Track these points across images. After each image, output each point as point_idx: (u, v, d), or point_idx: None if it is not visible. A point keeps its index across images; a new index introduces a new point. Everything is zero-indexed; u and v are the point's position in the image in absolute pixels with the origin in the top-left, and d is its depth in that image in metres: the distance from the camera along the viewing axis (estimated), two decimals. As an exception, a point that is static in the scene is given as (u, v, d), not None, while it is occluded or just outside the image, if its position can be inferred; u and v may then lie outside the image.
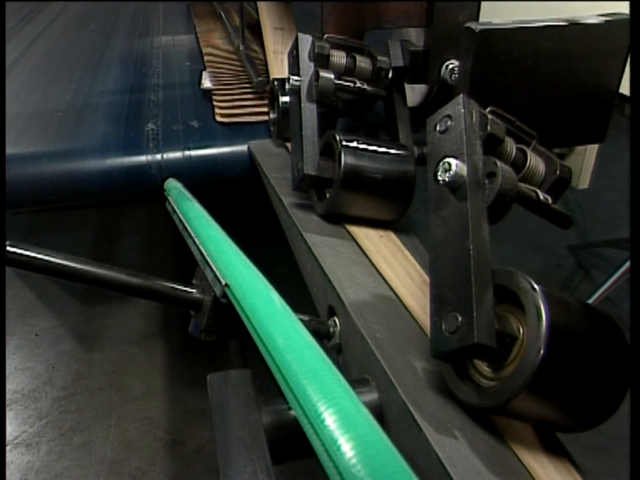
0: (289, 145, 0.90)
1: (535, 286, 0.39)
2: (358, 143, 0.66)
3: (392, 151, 0.68)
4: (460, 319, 0.39)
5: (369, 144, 0.67)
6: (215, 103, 1.07)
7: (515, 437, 0.42)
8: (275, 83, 0.89)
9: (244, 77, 1.15)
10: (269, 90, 0.95)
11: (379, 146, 0.67)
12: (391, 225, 0.70)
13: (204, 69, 1.22)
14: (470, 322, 0.39)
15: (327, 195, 0.69)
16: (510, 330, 0.40)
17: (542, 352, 0.36)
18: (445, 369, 0.44)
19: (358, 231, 0.67)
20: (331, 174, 0.67)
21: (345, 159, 0.64)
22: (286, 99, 0.84)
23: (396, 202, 0.68)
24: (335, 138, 0.66)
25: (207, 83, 1.13)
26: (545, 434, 0.44)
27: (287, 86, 0.74)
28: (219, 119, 1.02)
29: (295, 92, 0.73)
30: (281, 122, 0.89)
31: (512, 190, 0.46)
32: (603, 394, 0.41)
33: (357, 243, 0.66)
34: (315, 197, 0.71)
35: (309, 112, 0.71)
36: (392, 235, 0.68)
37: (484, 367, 0.42)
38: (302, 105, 0.71)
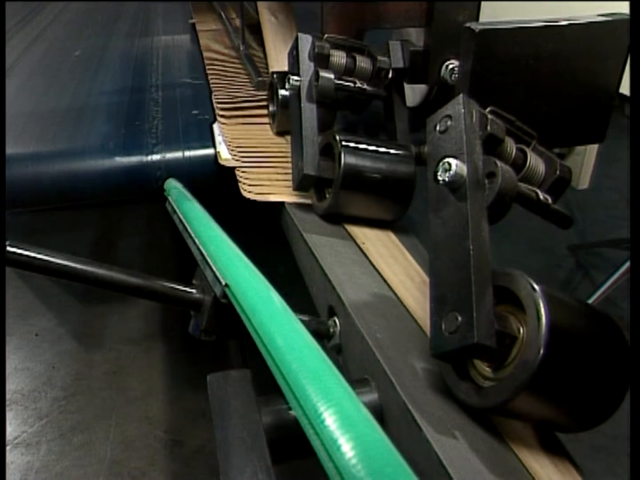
0: (288, 138, 0.90)
1: (535, 286, 0.39)
2: (358, 143, 0.66)
3: (392, 151, 0.68)
4: (460, 319, 0.39)
5: (369, 144, 0.67)
6: (239, 177, 0.82)
7: (515, 437, 0.42)
8: (275, 76, 0.89)
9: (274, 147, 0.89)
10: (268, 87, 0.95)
11: (379, 146, 0.67)
12: (391, 225, 0.70)
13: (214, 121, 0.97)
14: (470, 322, 0.39)
15: (327, 196, 0.69)
16: (510, 330, 0.40)
17: (541, 352, 0.36)
18: (445, 368, 0.44)
19: (358, 231, 0.68)
20: (331, 174, 0.67)
21: (345, 159, 0.64)
22: (285, 92, 0.85)
23: (396, 202, 0.68)
24: (335, 138, 0.66)
25: (225, 153, 0.87)
26: (545, 434, 0.44)
27: (287, 86, 0.74)
28: (245, 195, 0.78)
29: (295, 92, 0.73)
30: (280, 115, 0.89)
31: (512, 190, 0.46)
32: (603, 394, 0.41)
33: (356, 243, 0.66)
34: (316, 198, 0.71)
35: (309, 112, 0.71)
36: (391, 235, 0.68)
37: (484, 367, 0.42)
38: (302, 105, 0.71)
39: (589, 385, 0.40)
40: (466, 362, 0.43)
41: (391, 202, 0.68)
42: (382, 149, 0.67)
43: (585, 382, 0.40)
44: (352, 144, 0.65)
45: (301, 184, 0.69)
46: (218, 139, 0.93)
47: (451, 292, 0.42)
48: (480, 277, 0.40)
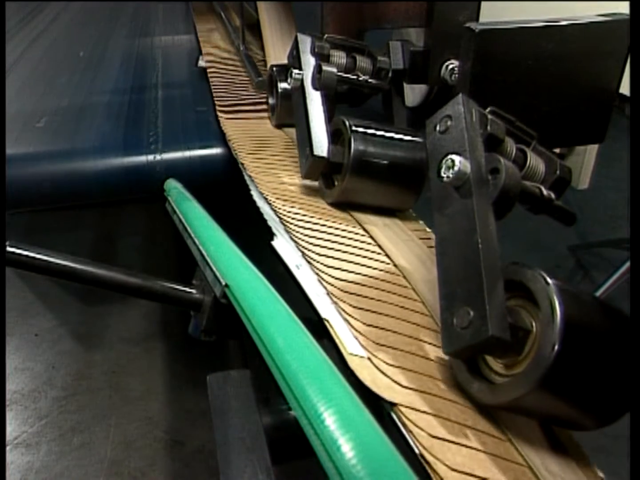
0: (287, 131, 0.90)
1: (549, 280, 0.38)
2: (368, 128, 0.65)
3: (404, 137, 0.67)
4: (472, 313, 0.39)
5: (379, 129, 0.65)
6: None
7: (517, 432, 0.42)
8: (274, 69, 0.89)
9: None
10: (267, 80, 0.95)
11: (390, 132, 0.66)
12: (399, 214, 0.69)
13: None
14: (483, 315, 0.38)
15: (336, 183, 0.68)
16: (523, 324, 0.39)
17: (556, 347, 0.35)
18: (456, 366, 0.43)
19: (365, 219, 0.66)
20: (341, 159, 0.66)
21: (355, 144, 0.63)
22: (285, 85, 0.84)
23: (408, 190, 0.67)
24: (344, 123, 0.65)
25: (351, 344, 0.44)
26: (548, 429, 0.43)
27: (289, 80, 0.74)
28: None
29: (298, 84, 0.73)
30: (280, 108, 0.89)
31: (516, 185, 0.46)
32: (618, 390, 0.39)
33: (366, 230, 0.65)
34: (324, 185, 0.70)
35: (315, 98, 0.71)
36: (399, 222, 0.67)
37: (496, 364, 0.41)
38: (307, 92, 0.71)
39: (603, 381, 0.39)
40: (477, 360, 0.42)
41: (403, 190, 0.67)
42: (393, 135, 0.66)
43: (600, 378, 0.39)
44: (361, 129, 0.64)
45: (310, 169, 0.68)
46: (296, 270, 0.53)
47: (461, 288, 0.41)
48: (490, 270, 0.40)
